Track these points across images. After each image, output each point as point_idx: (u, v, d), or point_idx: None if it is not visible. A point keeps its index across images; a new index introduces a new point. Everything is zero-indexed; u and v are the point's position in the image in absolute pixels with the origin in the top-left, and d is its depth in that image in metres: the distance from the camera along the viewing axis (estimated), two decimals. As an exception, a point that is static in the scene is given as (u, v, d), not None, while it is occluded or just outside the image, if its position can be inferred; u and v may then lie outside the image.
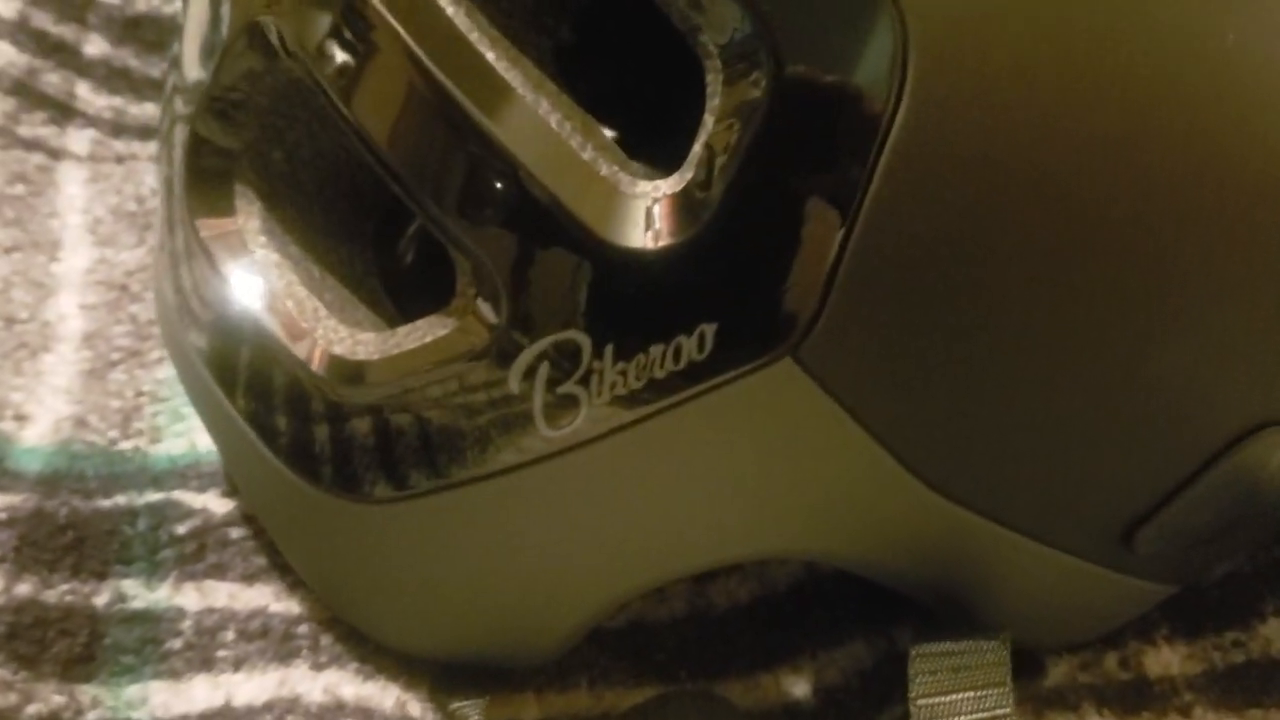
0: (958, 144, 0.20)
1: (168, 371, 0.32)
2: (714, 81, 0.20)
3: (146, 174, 0.38)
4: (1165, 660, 0.30)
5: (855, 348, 0.21)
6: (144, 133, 0.40)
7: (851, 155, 0.20)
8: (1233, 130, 0.21)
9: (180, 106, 0.26)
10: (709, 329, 0.21)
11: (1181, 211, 0.21)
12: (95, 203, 0.37)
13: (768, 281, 0.21)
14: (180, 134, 0.25)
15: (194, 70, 0.25)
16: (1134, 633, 0.30)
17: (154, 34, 0.42)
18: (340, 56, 0.21)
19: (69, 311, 0.34)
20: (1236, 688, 0.29)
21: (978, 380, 0.22)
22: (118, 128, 0.40)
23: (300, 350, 0.23)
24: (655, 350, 0.21)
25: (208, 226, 0.24)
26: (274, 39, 0.22)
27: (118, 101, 0.41)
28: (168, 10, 0.42)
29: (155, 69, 0.42)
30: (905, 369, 0.22)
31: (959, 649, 0.25)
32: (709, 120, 0.20)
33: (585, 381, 0.21)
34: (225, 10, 0.24)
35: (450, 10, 0.21)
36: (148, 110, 0.41)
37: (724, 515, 0.24)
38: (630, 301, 0.21)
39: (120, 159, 0.39)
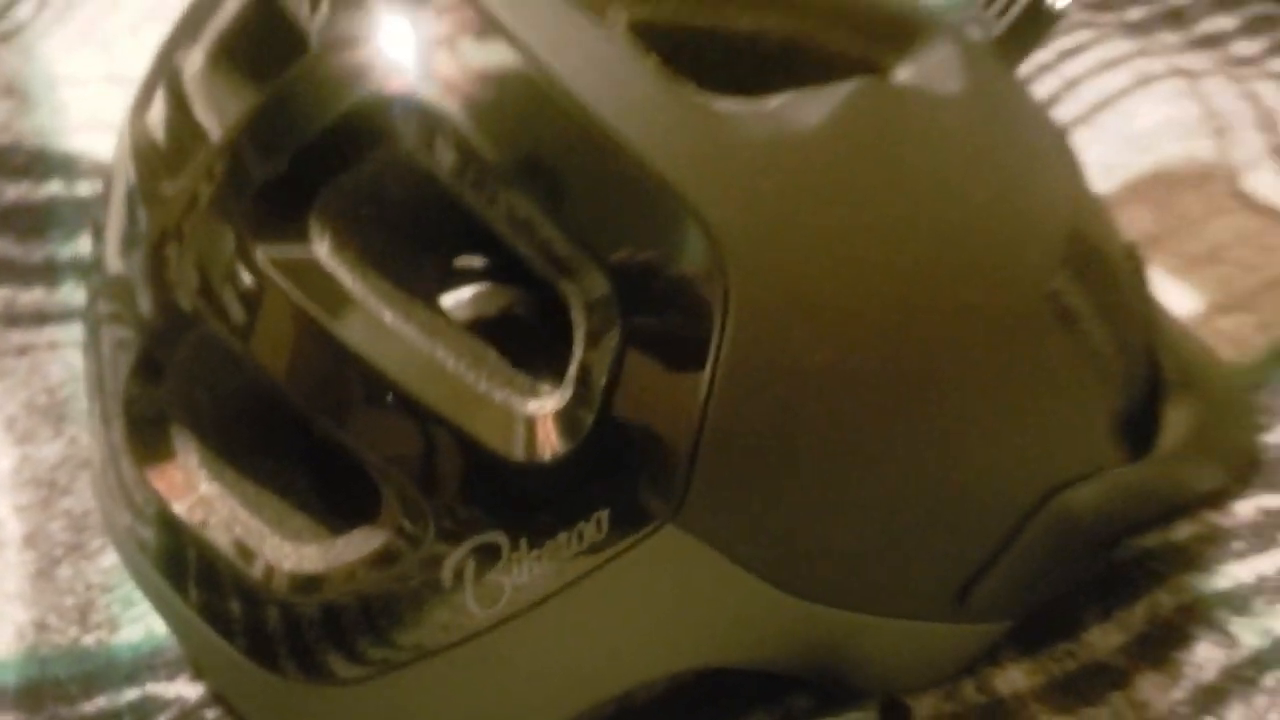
0: (774, 346, 0.25)
1: (111, 559, 0.35)
2: (579, 320, 0.24)
3: (51, 363, 0.41)
4: (1012, 679, 0.35)
5: (720, 507, 0.26)
6: (39, 318, 0.43)
7: (696, 367, 0.25)
8: (979, 290, 0.28)
9: (103, 306, 0.29)
10: (603, 514, 0.25)
11: (948, 368, 0.28)
12: (6, 400, 0.40)
13: (643, 470, 0.25)
14: (109, 335, 0.29)
15: (115, 265, 0.28)
16: (985, 659, 0.35)
17: (30, 221, 0.44)
18: (241, 316, 0.25)
19: (5, 515, 0.37)
20: (1072, 691, 0.35)
21: (820, 512, 0.27)
22: (10, 318, 0.43)
23: (249, 568, 0.27)
24: (562, 537, 0.25)
25: (152, 471, 0.27)
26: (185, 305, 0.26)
27: (6, 292, 0.43)
28: (39, 195, 0.45)
29: (38, 253, 0.44)
30: (763, 514, 0.27)
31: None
32: (578, 349, 0.25)
33: (507, 570, 0.25)
34: (138, 268, 0.27)
35: (343, 275, 0.25)
36: (38, 296, 0.43)
37: (637, 649, 0.28)
38: (535, 502, 0.25)
39: (21, 350, 0.42)
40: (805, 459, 0.27)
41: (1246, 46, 0.58)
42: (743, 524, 0.27)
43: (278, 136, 0.25)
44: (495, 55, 0.24)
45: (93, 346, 0.30)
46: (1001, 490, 0.31)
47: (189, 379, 0.28)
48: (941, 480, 0.29)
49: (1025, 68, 0.56)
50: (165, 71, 0.29)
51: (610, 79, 0.25)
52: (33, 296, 0.43)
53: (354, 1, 0.25)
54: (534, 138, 0.24)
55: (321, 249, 0.25)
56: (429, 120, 0.24)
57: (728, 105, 0.26)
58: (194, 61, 0.29)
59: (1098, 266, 0.32)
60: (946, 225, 0.28)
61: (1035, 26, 0.36)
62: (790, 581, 0.28)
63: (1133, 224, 0.49)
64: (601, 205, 0.24)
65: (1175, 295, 0.47)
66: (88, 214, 0.45)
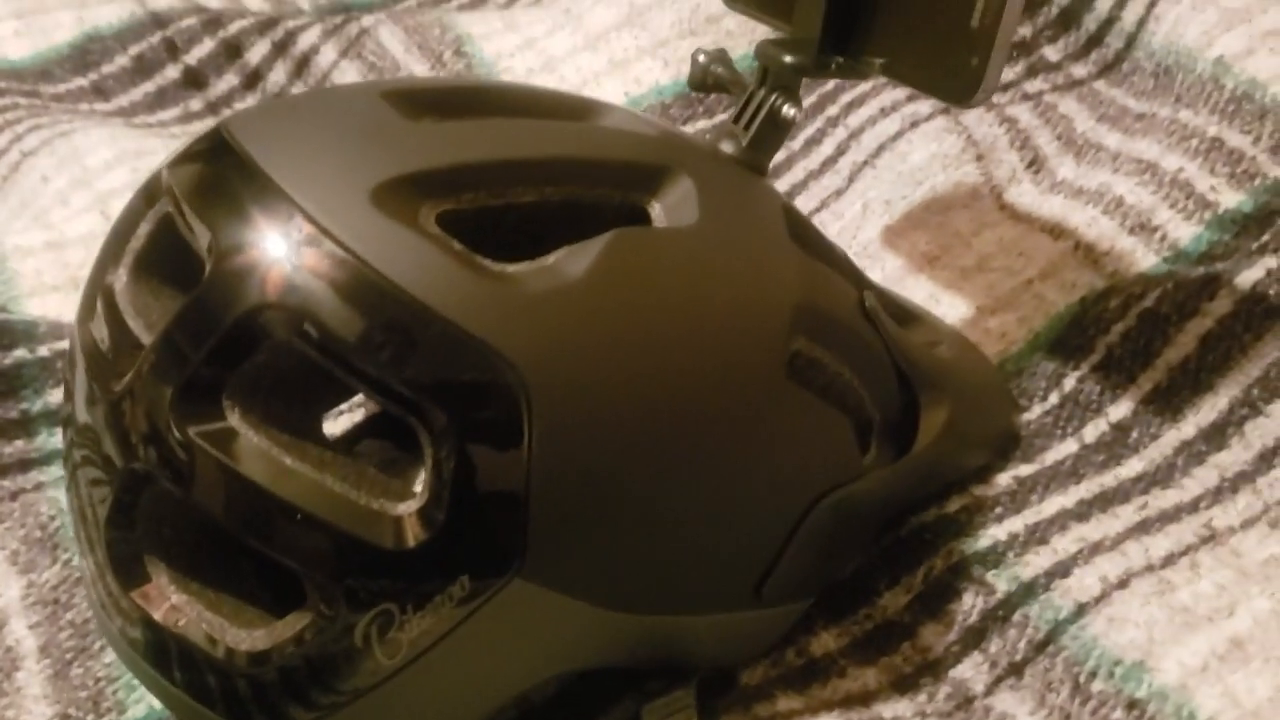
0: (570, 438, 0.35)
1: (112, 655, 0.45)
2: (425, 444, 0.34)
3: (40, 502, 0.50)
4: (824, 642, 0.45)
5: (553, 559, 0.36)
6: (23, 465, 0.52)
7: (516, 463, 0.34)
8: (725, 365, 0.38)
9: (77, 455, 0.38)
10: (464, 578, 0.35)
11: (710, 426, 0.38)
12: (7, 538, 0.49)
13: (488, 542, 0.35)
14: (84, 476, 0.38)
15: (85, 429, 0.38)
16: (802, 629, 0.46)
17: (2, 385, 0.53)
18: (182, 474, 0.35)
19: (21, 634, 0.46)
20: (871, 646, 0.45)
21: (631, 548, 0.38)
22: (1, 470, 0.52)
23: (217, 652, 0.36)
24: (438, 599, 0.35)
25: (134, 593, 0.37)
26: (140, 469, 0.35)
27: (-8, 448, 0.52)
28: (8, 361, 0.54)
29: (13, 411, 0.53)
30: (588, 559, 0.37)
31: (669, 700, 0.40)
32: (427, 465, 0.34)
33: (401, 629, 0.35)
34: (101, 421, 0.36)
35: (252, 436, 0.34)
36: (19, 446, 0.52)
37: (509, 669, 0.38)
38: (413, 577, 0.35)
39: (14, 495, 0.51)
40: (611, 513, 0.37)
41: (1004, 74, 0.68)
42: (574, 568, 0.37)
43: (189, 344, 0.34)
44: (337, 263, 0.34)
45: (73, 486, 0.39)
46: (773, 504, 0.41)
47: (154, 519, 0.37)
48: (723, 505, 0.39)
49: (819, 122, 0.66)
50: (100, 287, 0.39)
51: (422, 267, 0.34)
52: (15, 448, 0.52)
53: (231, 236, 0.35)
54: (373, 320, 0.34)
55: (234, 419, 0.35)
56: (295, 319, 0.34)
57: (517, 268, 0.36)
58: (120, 278, 0.38)
59: (830, 325, 0.42)
60: (692, 324, 0.38)
61: (775, 133, 0.46)
62: (621, 603, 0.38)
63: (914, 248, 0.60)
64: (430, 360, 0.34)
65: (950, 304, 0.57)
66: (52, 371, 0.54)
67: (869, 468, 0.44)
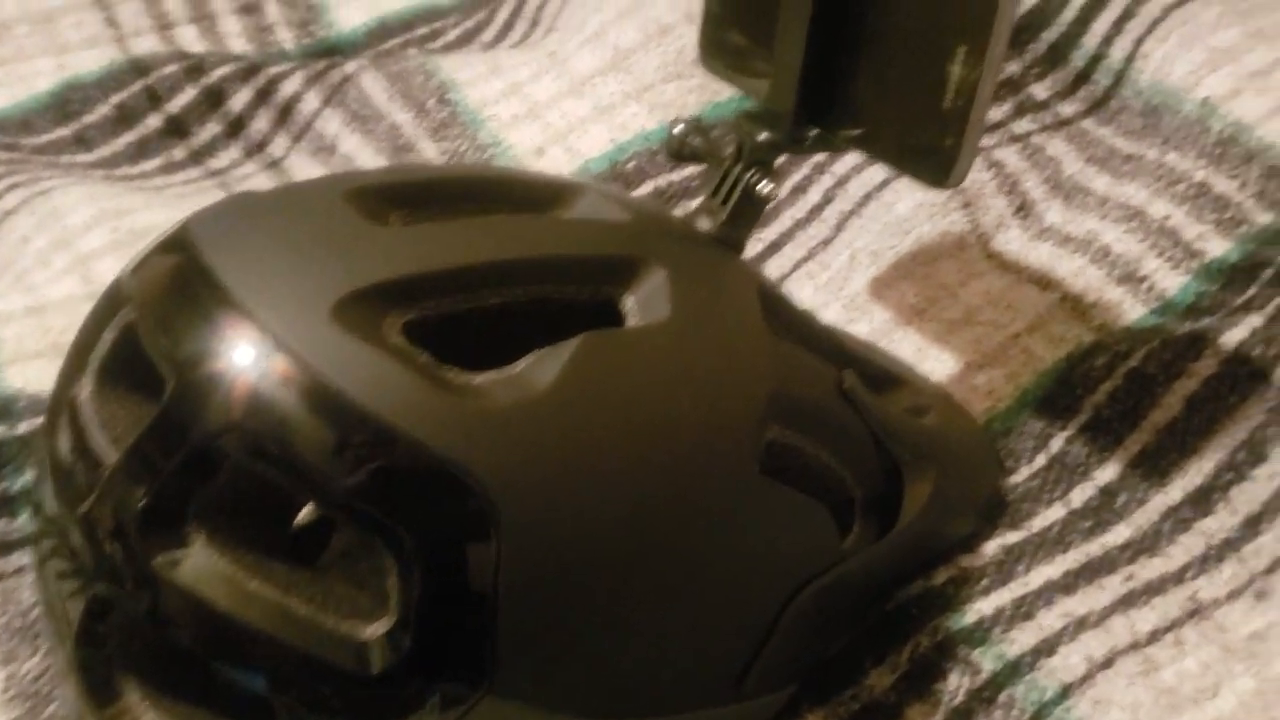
0: (540, 552, 0.35)
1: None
2: (389, 566, 0.34)
3: (22, 588, 0.50)
4: (810, 725, 0.45)
5: (524, 677, 0.36)
6: (4, 548, 0.52)
7: (484, 581, 0.34)
8: (700, 462, 0.38)
9: (46, 546, 0.38)
10: (434, 699, 0.35)
11: (686, 522, 0.38)
12: (-11, 626, 0.49)
13: (457, 663, 0.35)
14: (53, 569, 0.38)
15: (51, 509, 0.37)
16: (788, 712, 0.45)
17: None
18: (148, 599, 0.34)
19: (3, 729, 0.46)
20: (858, 727, 0.45)
21: (603, 657, 0.37)
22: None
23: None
24: (413, 714, 0.35)
25: (107, 713, 0.37)
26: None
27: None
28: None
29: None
30: (559, 674, 0.36)
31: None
32: (393, 586, 0.34)
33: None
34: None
35: (215, 560, 0.34)
36: (0, 527, 0.52)
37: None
38: (383, 698, 0.35)
39: (-6, 580, 0.51)
40: (584, 624, 0.36)
41: (992, 113, 0.67)
42: (548, 681, 0.36)
43: (150, 468, 0.34)
44: (300, 384, 0.33)
45: (40, 575, 0.39)
46: (752, 599, 0.40)
47: (124, 634, 0.37)
48: (700, 606, 0.39)
49: (805, 169, 0.66)
50: (65, 399, 0.38)
51: (386, 385, 0.34)
52: (-8, 532, 0.52)
53: (193, 354, 0.34)
54: (337, 441, 0.33)
55: (198, 543, 0.34)
56: (257, 441, 0.33)
57: (485, 378, 0.35)
58: (85, 388, 0.38)
59: (806, 410, 0.42)
60: (663, 428, 0.37)
61: (751, 210, 0.46)
62: (598, 711, 0.38)
63: (901, 300, 0.59)
64: (396, 482, 0.34)
65: (938, 359, 0.57)
66: (30, 448, 0.54)
67: (851, 549, 0.44)
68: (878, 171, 0.63)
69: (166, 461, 0.34)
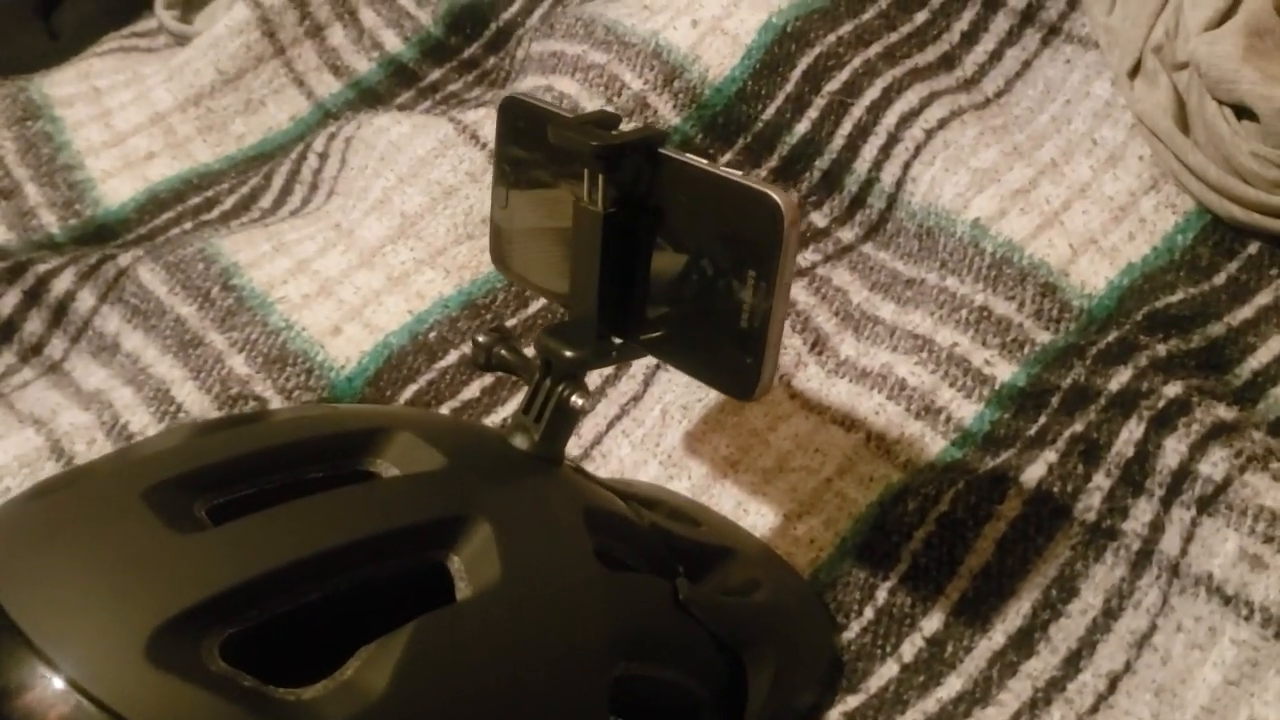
0: None
1: None
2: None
3: None
4: None
5: None
6: None
7: None
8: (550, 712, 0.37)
9: None
10: None
11: None
12: None
13: None
14: None
15: None
16: None
17: None
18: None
19: None
20: None
21: None
22: None
23: None
24: None
25: None
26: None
27: None
28: None
29: None
30: None
31: None
32: None
33: None
34: None
35: None
36: None
37: None
38: None
39: None
40: None
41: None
42: None
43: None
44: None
45: None
46: None
47: None
48: None
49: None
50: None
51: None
52: None
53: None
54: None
55: None
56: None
57: (316, 691, 0.34)
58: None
59: (647, 637, 0.42)
60: (508, 698, 0.37)
61: (566, 422, 0.46)
62: None
63: (715, 452, 0.60)
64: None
65: (758, 512, 0.58)
66: None
67: (704, 753, 0.44)
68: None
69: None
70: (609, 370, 0.65)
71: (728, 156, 0.71)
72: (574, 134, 0.44)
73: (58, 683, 0.32)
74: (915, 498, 0.55)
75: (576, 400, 0.45)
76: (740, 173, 0.42)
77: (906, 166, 0.69)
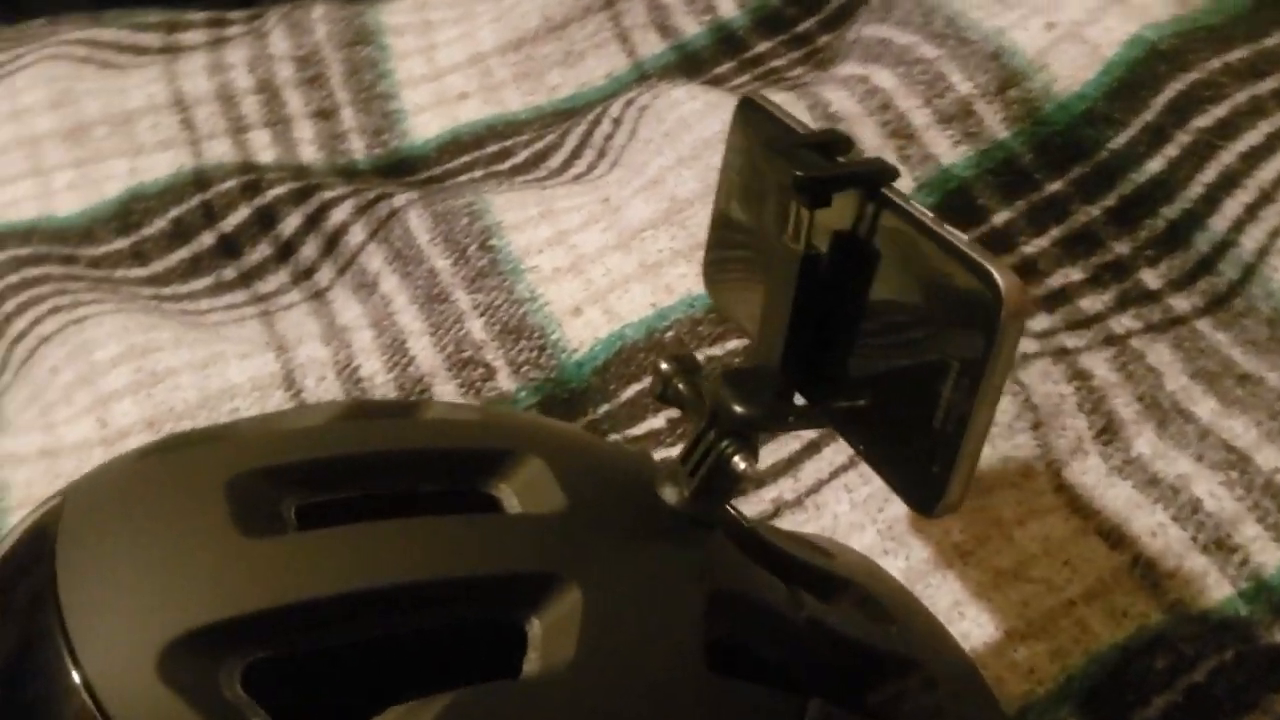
0: None
1: None
2: None
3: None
4: None
5: None
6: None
7: None
8: None
9: None
10: None
11: None
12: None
13: None
14: None
15: None
16: None
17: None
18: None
19: None
20: None
21: None
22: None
23: None
24: None
25: None
26: None
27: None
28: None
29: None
30: None
31: None
32: None
33: None
34: None
35: None
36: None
37: None
38: None
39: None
40: None
41: (1091, 303, 0.58)
42: None
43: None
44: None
45: None
46: None
47: None
48: None
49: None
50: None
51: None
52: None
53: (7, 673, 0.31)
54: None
55: None
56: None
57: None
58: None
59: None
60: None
61: (724, 485, 0.39)
62: None
63: (946, 536, 0.52)
64: None
65: (973, 620, 0.49)
66: None
67: None
68: (938, 377, 0.55)
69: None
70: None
71: (1055, 186, 0.61)
72: (783, 156, 0.37)
73: (74, 677, 0.30)
74: (1169, 654, 0.44)
75: (739, 463, 0.39)
76: (965, 237, 0.33)
77: (1276, 234, 0.56)
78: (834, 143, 0.38)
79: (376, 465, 0.37)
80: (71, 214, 0.74)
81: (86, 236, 0.73)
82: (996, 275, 0.32)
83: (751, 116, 0.42)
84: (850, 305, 0.37)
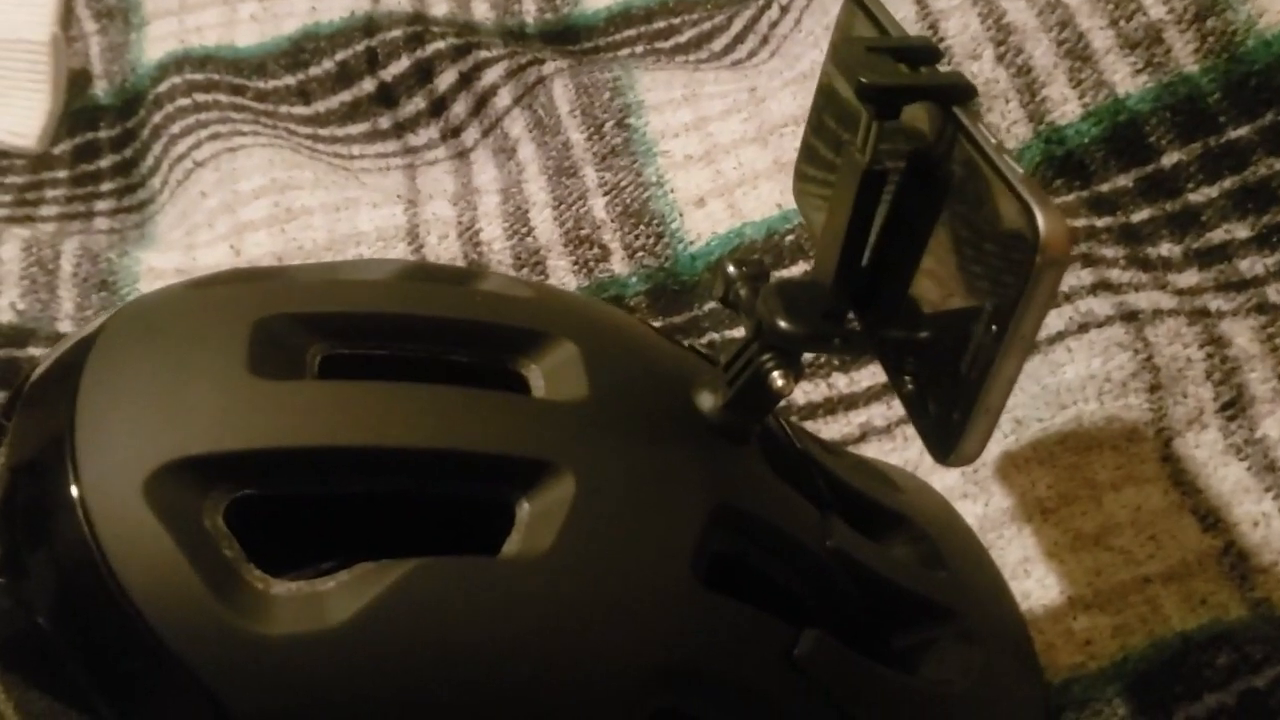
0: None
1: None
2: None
3: None
4: None
5: None
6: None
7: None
8: None
9: None
10: None
11: None
12: None
13: None
14: None
15: None
16: None
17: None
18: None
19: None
20: None
21: None
22: None
23: None
24: None
25: None
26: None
27: None
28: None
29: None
30: None
31: None
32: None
33: None
34: None
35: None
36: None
37: None
38: None
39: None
40: None
41: (1250, 265, 0.53)
42: None
43: None
44: (77, 558, 0.31)
45: None
46: None
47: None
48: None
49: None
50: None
51: (164, 584, 0.30)
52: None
53: (16, 464, 0.33)
54: (83, 628, 0.31)
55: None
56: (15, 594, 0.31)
57: (284, 589, 0.31)
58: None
59: (710, 678, 0.34)
60: (499, 693, 0.31)
61: (760, 400, 0.38)
62: None
63: (1031, 489, 0.49)
64: (149, 699, 0.31)
65: (1038, 580, 0.46)
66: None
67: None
68: (1055, 318, 0.51)
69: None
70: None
71: (1240, 132, 0.55)
72: (853, 61, 0.34)
73: (72, 490, 0.32)
74: (1234, 653, 0.41)
75: (776, 379, 0.37)
76: (1020, 171, 0.30)
77: None
78: (922, 50, 0.35)
79: (411, 328, 0.37)
80: (250, 45, 0.76)
81: (259, 70, 0.75)
82: (1040, 216, 0.29)
83: (854, 13, 0.39)
84: (915, 232, 0.35)
